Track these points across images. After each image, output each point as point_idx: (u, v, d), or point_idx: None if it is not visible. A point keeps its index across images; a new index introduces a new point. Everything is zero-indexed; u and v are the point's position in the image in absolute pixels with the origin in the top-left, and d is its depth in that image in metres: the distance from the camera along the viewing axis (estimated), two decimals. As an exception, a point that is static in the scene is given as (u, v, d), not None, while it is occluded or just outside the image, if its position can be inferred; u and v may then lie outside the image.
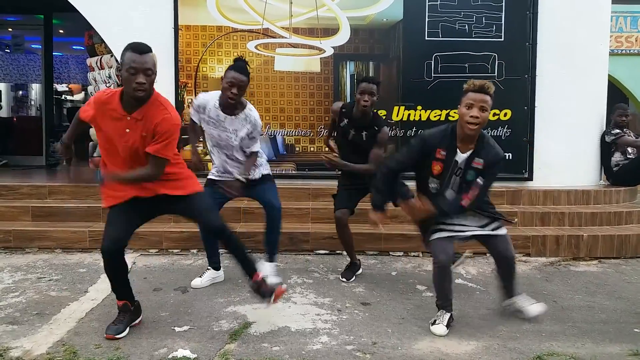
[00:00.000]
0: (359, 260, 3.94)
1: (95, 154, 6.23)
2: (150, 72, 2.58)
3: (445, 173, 2.84)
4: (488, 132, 3.04)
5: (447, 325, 2.87)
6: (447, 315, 2.92)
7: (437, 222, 2.92)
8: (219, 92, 3.41)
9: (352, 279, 3.78)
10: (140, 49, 2.59)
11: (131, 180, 2.73)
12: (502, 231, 2.95)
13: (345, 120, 3.71)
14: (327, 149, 4.11)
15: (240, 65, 3.35)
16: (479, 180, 2.80)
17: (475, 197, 2.80)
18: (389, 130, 4.09)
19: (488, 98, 2.72)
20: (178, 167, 2.88)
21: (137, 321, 2.91)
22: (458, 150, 2.82)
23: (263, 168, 3.64)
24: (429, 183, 2.91)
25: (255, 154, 3.54)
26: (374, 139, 3.64)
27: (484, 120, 2.72)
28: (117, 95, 2.67)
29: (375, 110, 3.77)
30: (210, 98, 3.43)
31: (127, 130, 2.65)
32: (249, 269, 2.96)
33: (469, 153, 2.82)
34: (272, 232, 3.62)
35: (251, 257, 3.00)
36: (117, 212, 2.78)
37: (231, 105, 3.35)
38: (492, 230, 2.94)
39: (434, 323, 2.91)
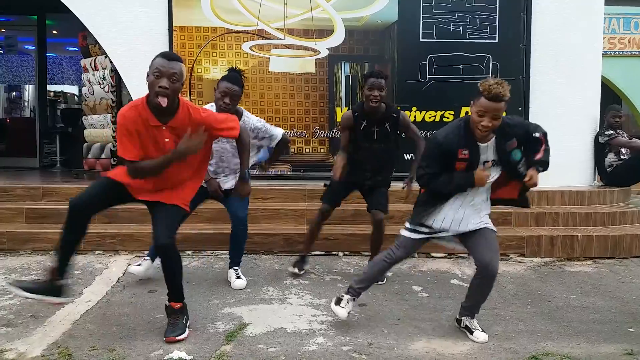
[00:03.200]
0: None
1: (89, 156, 6.19)
2: (175, 79, 2.58)
3: (471, 169, 2.72)
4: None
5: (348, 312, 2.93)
6: (352, 303, 2.97)
7: (426, 218, 2.85)
8: (212, 104, 3.45)
9: (303, 271, 3.88)
10: (168, 55, 2.65)
11: (248, 164, 3.14)
12: (490, 226, 2.84)
13: (364, 123, 3.69)
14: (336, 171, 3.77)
15: (233, 75, 3.39)
16: (536, 135, 2.73)
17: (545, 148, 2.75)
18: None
19: (502, 105, 2.59)
20: (199, 181, 2.94)
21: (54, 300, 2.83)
22: (479, 143, 2.70)
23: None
24: None
25: (280, 142, 3.78)
26: (397, 126, 3.72)
27: (495, 126, 2.63)
28: (143, 105, 2.65)
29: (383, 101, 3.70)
30: None
31: (167, 140, 2.66)
32: (173, 294, 2.81)
33: (492, 141, 2.71)
34: (233, 241, 3.69)
35: (180, 285, 2.82)
36: (109, 185, 2.74)
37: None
38: (480, 224, 2.83)
39: (337, 303, 2.95)
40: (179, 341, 2.69)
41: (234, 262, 3.73)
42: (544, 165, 2.72)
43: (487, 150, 2.72)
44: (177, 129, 2.67)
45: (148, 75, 2.61)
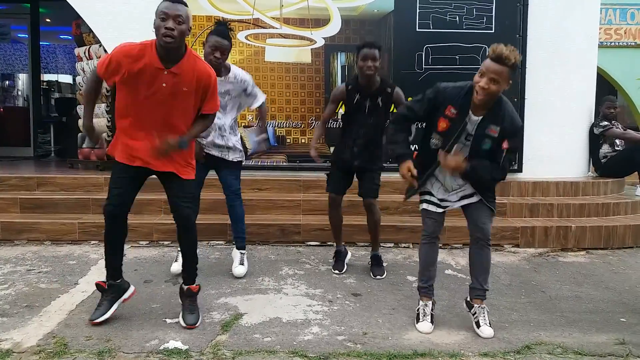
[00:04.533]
0: (344, 246, 3.94)
1: (84, 145, 6.16)
2: (180, 20, 2.57)
3: (451, 133, 2.65)
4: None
5: (432, 320, 2.83)
6: (430, 306, 2.87)
7: (424, 192, 2.86)
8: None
9: (344, 270, 3.78)
10: None
11: (196, 136, 2.89)
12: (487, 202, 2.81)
13: (357, 96, 3.60)
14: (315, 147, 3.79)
15: (221, 29, 3.37)
16: (505, 146, 2.64)
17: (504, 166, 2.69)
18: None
19: (504, 70, 2.47)
20: (191, 156, 2.91)
21: (126, 296, 2.91)
22: (470, 112, 2.62)
23: (237, 154, 3.63)
24: (430, 138, 2.73)
25: (263, 107, 3.71)
26: (390, 101, 3.62)
27: (492, 92, 2.51)
28: (152, 47, 2.62)
29: (378, 75, 3.61)
30: None
31: (164, 84, 2.63)
32: (189, 277, 2.88)
33: (481, 117, 2.63)
34: (231, 217, 3.69)
35: (196, 266, 2.89)
36: (122, 174, 2.75)
37: (216, 69, 3.35)
38: (475, 197, 2.81)
39: (418, 320, 2.85)
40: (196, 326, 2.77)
41: (238, 243, 3.72)
42: (472, 174, 2.68)
43: (473, 123, 2.65)
44: (179, 75, 2.65)
45: (155, 21, 2.59)
